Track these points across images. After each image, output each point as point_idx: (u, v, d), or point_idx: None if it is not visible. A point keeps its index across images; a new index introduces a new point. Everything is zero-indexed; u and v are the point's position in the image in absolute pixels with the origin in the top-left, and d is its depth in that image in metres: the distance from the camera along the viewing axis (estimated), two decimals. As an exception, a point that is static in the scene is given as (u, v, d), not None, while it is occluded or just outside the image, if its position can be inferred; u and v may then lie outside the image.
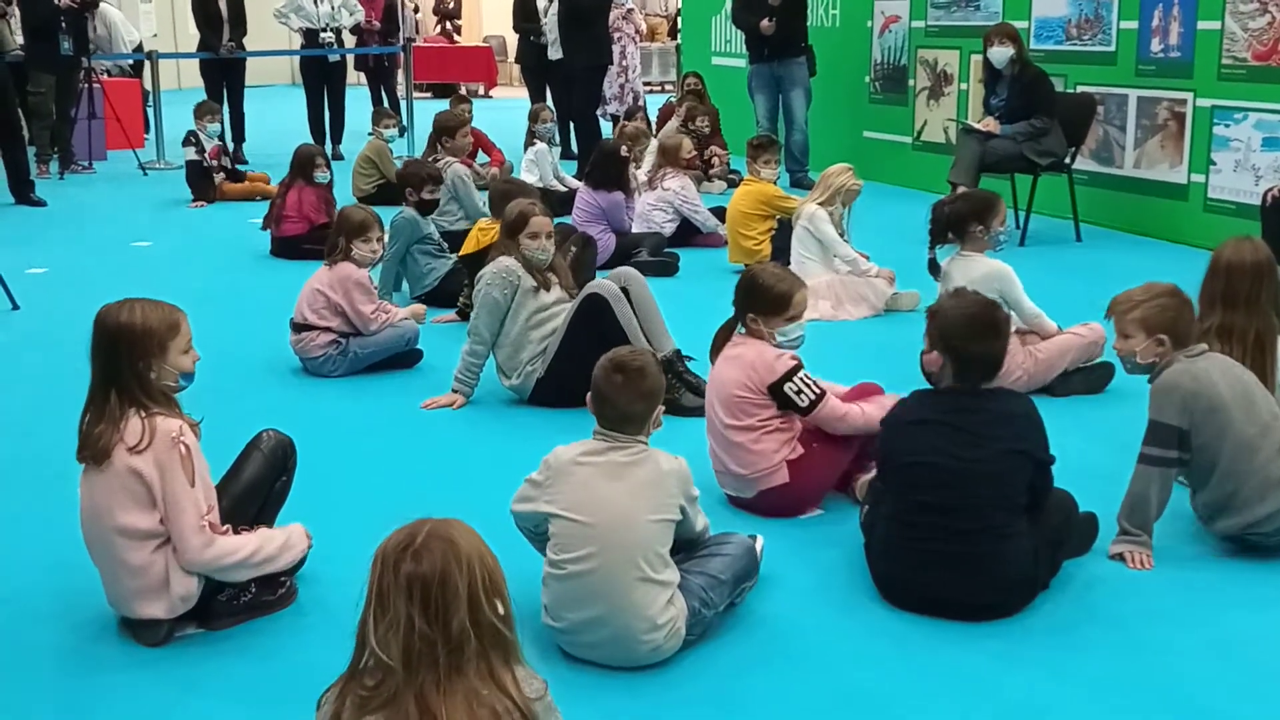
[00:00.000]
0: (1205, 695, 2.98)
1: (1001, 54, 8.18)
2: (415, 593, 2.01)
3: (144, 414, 3.12)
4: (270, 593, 3.38)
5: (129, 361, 3.13)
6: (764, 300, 4.01)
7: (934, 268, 5.33)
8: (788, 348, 4.03)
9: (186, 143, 10.03)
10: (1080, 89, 8.66)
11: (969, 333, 3.41)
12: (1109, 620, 3.34)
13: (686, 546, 3.30)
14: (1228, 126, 7.83)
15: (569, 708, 2.31)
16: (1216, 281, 4.10)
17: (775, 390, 3.91)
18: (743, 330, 4.07)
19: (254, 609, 3.35)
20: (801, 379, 3.92)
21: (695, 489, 3.24)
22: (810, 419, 3.96)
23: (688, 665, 3.12)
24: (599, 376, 3.16)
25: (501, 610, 2.06)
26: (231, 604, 3.32)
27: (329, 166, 8.33)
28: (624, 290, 5.14)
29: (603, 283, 5.04)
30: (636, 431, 3.15)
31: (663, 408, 3.22)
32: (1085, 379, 5.15)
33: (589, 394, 3.18)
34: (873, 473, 3.92)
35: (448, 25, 23.44)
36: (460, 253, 6.63)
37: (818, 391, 3.93)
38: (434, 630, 2.01)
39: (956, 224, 5.19)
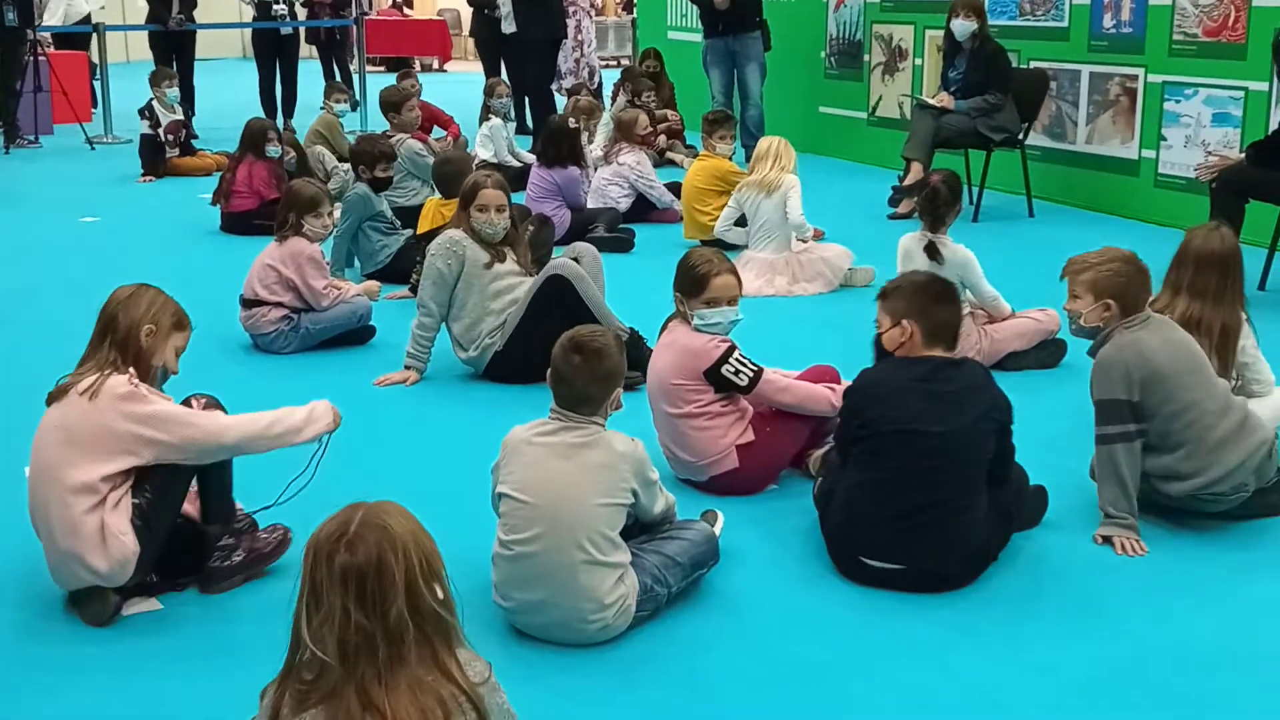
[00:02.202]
0: (1152, 666, 3.01)
1: (964, 27, 8.21)
2: (350, 584, 1.96)
3: (104, 373, 3.16)
4: (262, 543, 3.40)
5: (131, 329, 3.22)
6: (684, 280, 3.98)
7: (934, 250, 5.12)
8: (707, 331, 3.94)
9: (142, 115, 9.93)
10: (1033, 64, 8.69)
11: (932, 298, 3.45)
12: (1059, 592, 3.36)
13: (648, 528, 3.29)
14: (1178, 102, 7.88)
15: (520, 686, 2.30)
16: (1184, 271, 4.06)
17: (712, 375, 3.88)
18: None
19: (249, 566, 3.36)
20: (736, 359, 3.90)
21: (653, 471, 3.21)
22: (754, 396, 3.95)
23: (642, 640, 3.12)
24: (557, 355, 3.13)
25: (440, 594, 2.03)
26: (225, 565, 3.33)
27: (280, 140, 8.24)
28: (574, 259, 5.13)
29: (565, 263, 4.99)
30: (592, 412, 3.12)
31: (620, 390, 3.19)
32: (1037, 355, 5.18)
33: (549, 371, 3.16)
34: (826, 447, 3.93)
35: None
36: (418, 230, 6.59)
37: (755, 369, 3.92)
38: (371, 622, 1.96)
39: (945, 208, 5.19)
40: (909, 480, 3.31)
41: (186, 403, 3.38)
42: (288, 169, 8.24)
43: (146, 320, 3.24)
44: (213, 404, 3.48)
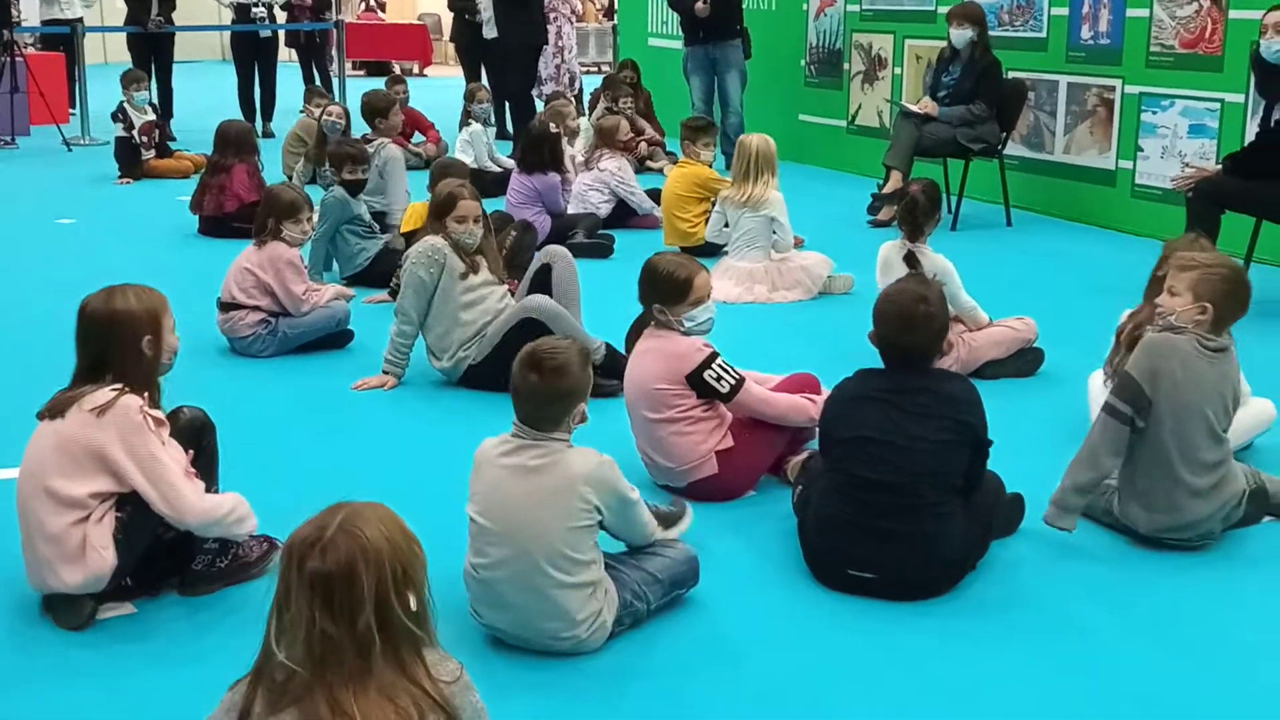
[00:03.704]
0: (1125, 671, 3.03)
1: (961, 35, 8.23)
2: (318, 591, 1.93)
3: (118, 390, 3.14)
4: (248, 554, 3.39)
5: (131, 344, 3.18)
6: (665, 289, 3.97)
7: (914, 259, 5.12)
8: (697, 332, 3.99)
9: (115, 118, 9.90)
10: (1012, 75, 8.74)
11: (893, 327, 3.44)
12: (1034, 599, 3.37)
13: (633, 547, 3.25)
14: (1155, 113, 7.94)
15: (497, 693, 2.29)
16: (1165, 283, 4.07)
17: (694, 379, 3.89)
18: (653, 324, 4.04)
19: (231, 574, 3.36)
20: (719, 365, 3.91)
21: (631, 490, 3.14)
22: (734, 405, 3.95)
23: (621, 646, 3.11)
24: (516, 372, 3.04)
25: (414, 604, 1.99)
26: (208, 571, 3.33)
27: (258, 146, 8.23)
28: (547, 267, 5.15)
29: (540, 303, 4.93)
30: (552, 429, 3.04)
31: (584, 404, 3.10)
32: (1015, 363, 5.20)
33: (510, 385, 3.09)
34: (804, 454, 3.94)
35: (371, 2, 23.14)
36: (402, 230, 6.57)
37: (737, 377, 3.92)
38: (339, 630, 1.94)
39: (924, 218, 5.20)
40: (872, 489, 3.33)
41: (175, 414, 3.36)
42: (329, 132, 8.36)
43: (143, 330, 3.19)
44: (199, 423, 3.48)
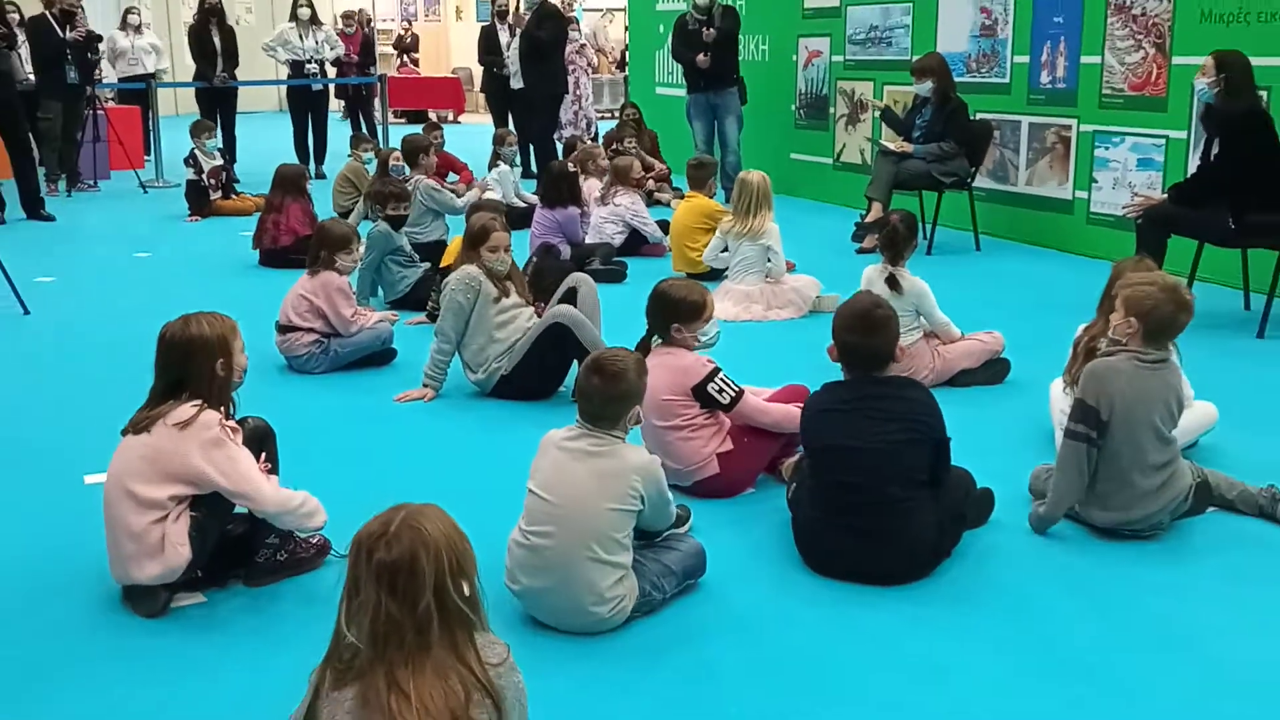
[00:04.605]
0: (1086, 651, 3.02)
1: (923, 86, 8.32)
2: (384, 578, 1.97)
3: (198, 406, 3.16)
4: (305, 550, 3.40)
5: (207, 366, 3.20)
6: (685, 310, 3.99)
7: (894, 281, 5.07)
8: (708, 345, 4.04)
9: (187, 163, 9.98)
10: (979, 116, 8.74)
11: (849, 327, 3.45)
12: (1002, 586, 3.36)
13: (648, 536, 3.27)
14: (1107, 149, 7.93)
15: (531, 668, 2.29)
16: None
17: (699, 391, 3.91)
18: (659, 341, 4.05)
19: (290, 566, 3.37)
20: (721, 379, 3.93)
21: (666, 488, 3.19)
22: (734, 415, 3.96)
23: (639, 626, 3.11)
24: (581, 374, 3.15)
25: (467, 591, 2.02)
26: (269, 562, 3.34)
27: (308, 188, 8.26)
28: (573, 289, 5.18)
29: (566, 310, 4.98)
30: (610, 428, 3.11)
31: (639, 408, 3.17)
32: (984, 372, 5.20)
33: (575, 386, 3.17)
34: (797, 455, 3.94)
35: (405, 59, 23.22)
36: (441, 264, 6.59)
37: (737, 390, 3.94)
38: (401, 612, 1.97)
39: (903, 244, 5.20)
40: (846, 491, 3.33)
41: (241, 423, 3.38)
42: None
43: (217, 353, 3.21)
44: (262, 430, 3.49)
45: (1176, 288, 3.59)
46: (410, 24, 24.43)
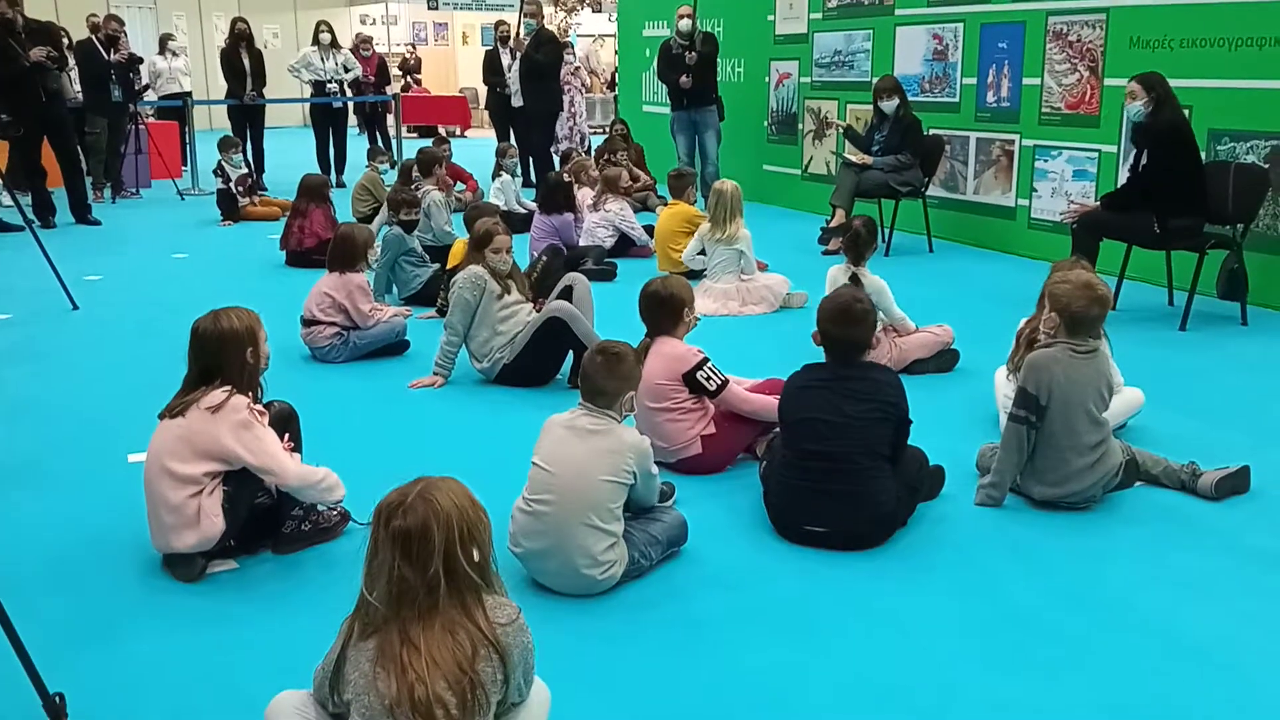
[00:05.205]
0: (1027, 607, 3.04)
1: (889, 105, 8.31)
2: (399, 544, 1.97)
3: (229, 391, 3.15)
4: (327, 521, 3.40)
5: (237, 357, 3.18)
6: (674, 304, 4.02)
7: (857, 280, 5.09)
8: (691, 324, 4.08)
9: (215, 174, 9.93)
10: (932, 132, 8.75)
11: (832, 318, 3.48)
12: (954, 550, 3.38)
13: (637, 510, 3.28)
14: (1046, 161, 7.94)
15: (532, 622, 2.29)
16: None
17: (689, 378, 3.92)
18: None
19: (313, 536, 3.36)
20: (709, 368, 3.94)
21: (655, 467, 3.21)
22: (718, 401, 3.97)
23: (630, 587, 3.12)
24: (586, 358, 3.18)
25: (477, 557, 2.01)
26: (295, 531, 3.34)
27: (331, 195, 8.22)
28: (569, 288, 5.17)
29: (563, 305, 4.98)
30: (607, 405, 3.12)
31: (634, 394, 3.20)
32: (937, 361, 5.21)
33: (579, 371, 3.19)
34: (771, 436, 3.95)
35: (409, 80, 23.09)
36: (448, 266, 6.58)
37: (723, 379, 3.95)
38: (414, 575, 1.96)
39: (864, 246, 5.20)
40: (819, 459, 3.34)
41: (268, 406, 3.36)
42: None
43: (245, 343, 3.20)
44: (286, 412, 3.49)
45: (1089, 284, 3.60)
46: (415, 47, 24.29)
